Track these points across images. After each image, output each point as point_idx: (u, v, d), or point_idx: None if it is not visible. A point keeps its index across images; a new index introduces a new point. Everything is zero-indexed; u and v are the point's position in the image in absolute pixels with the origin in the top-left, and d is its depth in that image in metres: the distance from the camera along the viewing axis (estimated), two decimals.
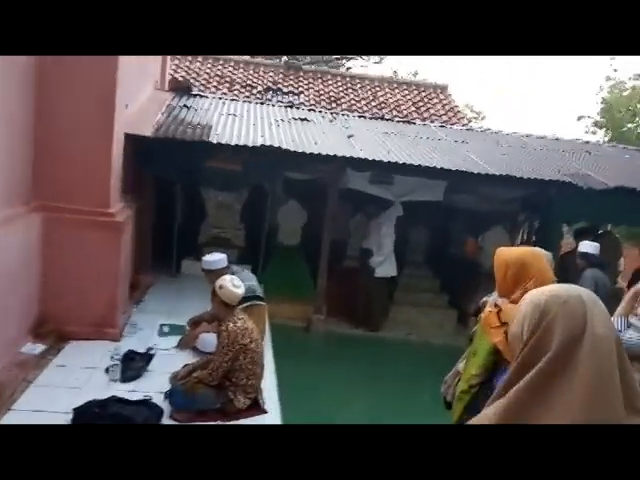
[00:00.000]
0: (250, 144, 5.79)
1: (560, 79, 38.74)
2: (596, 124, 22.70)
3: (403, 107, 11.17)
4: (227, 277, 3.69)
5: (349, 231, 8.19)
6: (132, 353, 4.07)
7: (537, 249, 2.48)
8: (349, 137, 6.78)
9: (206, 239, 7.67)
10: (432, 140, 7.39)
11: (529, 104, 36.33)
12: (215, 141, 5.73)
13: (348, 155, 5.94)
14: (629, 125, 21.91)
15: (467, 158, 6.57)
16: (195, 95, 7.85)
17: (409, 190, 6.83)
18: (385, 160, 5.88)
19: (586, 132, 22.22)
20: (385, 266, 7.28)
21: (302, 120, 7.39)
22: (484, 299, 2.92)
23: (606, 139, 17.84)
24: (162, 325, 5.05)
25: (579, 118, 23.39)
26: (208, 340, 4.33)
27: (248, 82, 10.97)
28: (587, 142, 9.86)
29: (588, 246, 5.36)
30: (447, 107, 11.64)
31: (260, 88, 10.67)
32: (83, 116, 4.44)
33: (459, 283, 8.27)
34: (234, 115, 7.09)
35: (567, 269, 5.98)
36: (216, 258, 4.61)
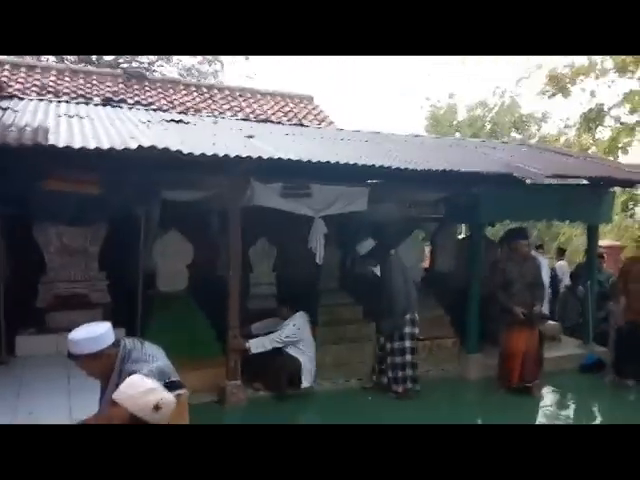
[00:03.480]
0: (120, 147, 3.78)
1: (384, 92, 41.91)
2: None
3: (274, 117, 9.86)
4: (145, 381, 1.89)
5: (249, 263, 6.49)
6: None
7: None
8: (249, 137, 5.11)
9: (50, 300, 5.29)
10: (343, 141, 6.10)
11: (352, 115, 38.07)
12: (62, 144, 3.59)
13: (267, 157, 4.21)
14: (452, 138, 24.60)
15: (396, 157, 5.40)
16: (12, 97, 5.47)
17: (330, 201, 5.38)
18: (324, 160, 4.29)
19: None
20: None
21: (177, 122, 5.51)
22: None
23: None
24: None
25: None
26: None
27: (80, 92, 8.63)
28: (483, 141, 9.70)
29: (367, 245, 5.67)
30: (319, 117, 10.69)
31: (97, 100, 8.37)
32: None
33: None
34: (79, 117, 4.94)
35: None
36: (95, 333, 2.63)
